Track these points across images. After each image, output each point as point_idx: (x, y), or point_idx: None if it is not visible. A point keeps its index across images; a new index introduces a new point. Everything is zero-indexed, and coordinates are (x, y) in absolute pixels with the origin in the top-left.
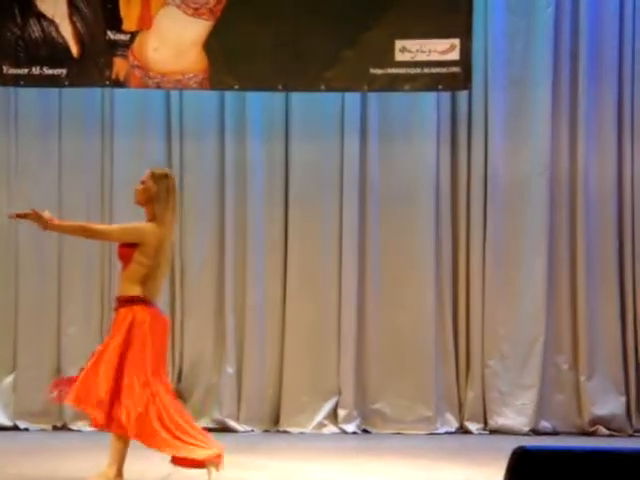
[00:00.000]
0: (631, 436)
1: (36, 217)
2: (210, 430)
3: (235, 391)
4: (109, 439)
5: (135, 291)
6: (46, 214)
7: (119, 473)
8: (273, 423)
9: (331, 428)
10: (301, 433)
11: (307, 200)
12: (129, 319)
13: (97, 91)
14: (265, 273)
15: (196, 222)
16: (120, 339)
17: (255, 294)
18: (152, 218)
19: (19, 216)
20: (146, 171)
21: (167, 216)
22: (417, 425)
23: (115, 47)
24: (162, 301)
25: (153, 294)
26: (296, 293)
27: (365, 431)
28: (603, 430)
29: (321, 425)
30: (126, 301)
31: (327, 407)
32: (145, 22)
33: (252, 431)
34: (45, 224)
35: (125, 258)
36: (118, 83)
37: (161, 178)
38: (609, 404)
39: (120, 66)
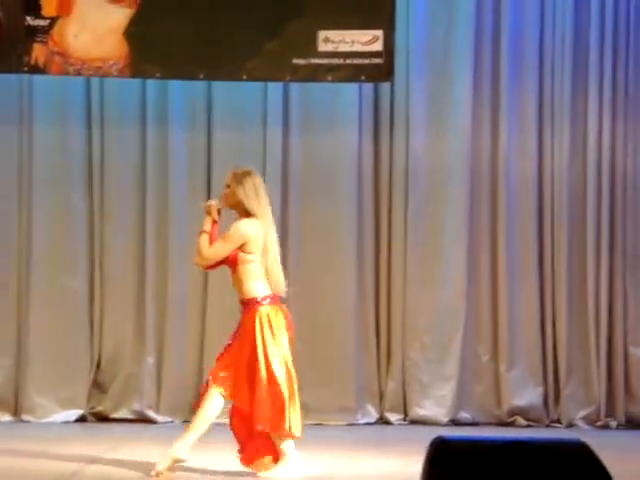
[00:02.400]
0: (548, 426)
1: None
2: (130, 421)
3: (155, 381)
4: None
5: (254, 292)
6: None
7: None
8: (193, 414)
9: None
10: (221, 424)
11: None
12: (255, 322)
13: (15, 77)
14: (187, 261)
15: (117, 211)
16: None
17: (176, 284)
18: (247, 216)
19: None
20: (228, 174)
21: (262, 211)
22: (337, 416)
23: (34, 33)
24: (81, 290)
25: (274, 287)
26: (218, 283)
27: None
28: (521, 420)
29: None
30: (248, 303)
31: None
32: (65, 8)
33: (172, 422)
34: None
35: (232, 262)
36: (37, 69)
37: (244, 177)
38: (527, 395)
39: (39, 52)
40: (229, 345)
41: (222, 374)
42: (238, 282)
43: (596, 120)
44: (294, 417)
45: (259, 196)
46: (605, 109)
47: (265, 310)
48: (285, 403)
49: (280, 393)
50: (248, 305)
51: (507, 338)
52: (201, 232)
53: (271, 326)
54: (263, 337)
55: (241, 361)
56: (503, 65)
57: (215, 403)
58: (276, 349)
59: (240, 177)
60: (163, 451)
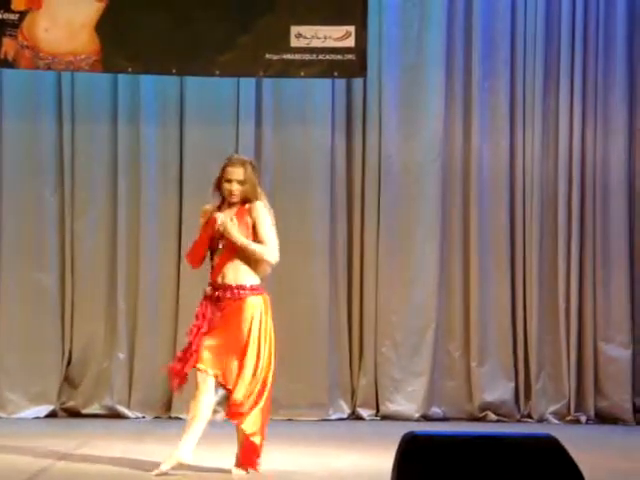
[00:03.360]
0: (519, 421)
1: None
2: (101, 416)
3: (126, 377)
4: None
5: (255, 278)
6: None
7: None
8: (165, 410)
9: (223, 415)
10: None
11: (201, 185)
12: (256, 310)
13: None
14: (158, 257)
15: (88, 206)
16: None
17: (148, 279)
18: (249, 199)
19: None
20: (236, 169)
21: (263, 199)
22: (309, 411)
23: (4, 26)
24: (51, 285)
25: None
26: (190, 278)
27: None
28: (492, 416)
29: (213, 412)
30: (250, 289)
31: (219, 393)
32: (35, 2)
33: (143, 417)
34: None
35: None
36: (7, 64)
37: (252, 166)
38: (498, 390)
39: (9, 46)
40: (213, 328)
41: (208, 356)
42: (238, 266)
43: (567, 118)
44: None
45: (259, 184)
46: (576, 106)
47: (267, 297)
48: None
49: (260, 391)
50: (249, 291)
51: (478, 334)
52: (238, 241)
53: (269, 314)
54: (267, 324)
55: (232, 345)
56: (475, 62)
57: (206, 389)
58: (271, 339)
59: (252, 167)
60: (134, 447)
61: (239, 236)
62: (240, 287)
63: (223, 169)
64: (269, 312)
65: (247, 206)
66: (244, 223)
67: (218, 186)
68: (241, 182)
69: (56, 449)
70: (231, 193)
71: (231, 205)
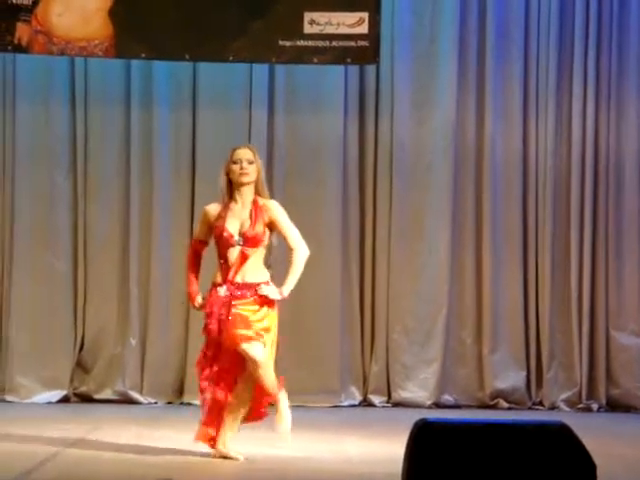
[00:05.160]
0: (530, 409)
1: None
2: (113, 402)
3: (139, 363)
4: None
5: (266, 275)
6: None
7: None
8: (177, 395)
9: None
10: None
11: (214, 170)
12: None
13: None
14: (171, 242)
15: (101, 191)
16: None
17: (160, 263)
18: (258, 193)
19: None
20: (243, 150)
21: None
22: (321, 398)
23: (18, 11)
24: (64, 270)
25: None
26: (202, 262)
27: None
28: (503, 403)
29: None
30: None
31: None
32: None
33: (155, 403)
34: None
35: (262, 241)
36: (20, 49)
37: (257, 152)
38: (510, 378)
39: (23, 31)
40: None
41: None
42: (253, 264)
43: (580, 106)
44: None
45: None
46: (589, 94)
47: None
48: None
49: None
50: (264, 285)
51: (490, 321)
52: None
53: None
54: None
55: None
56: (488, 50)
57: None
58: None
59: (256, 152)
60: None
61: (288, 289)
62: (257, 285)
63: (230, 155)
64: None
65: (261, 203)
66: (261, 221)
67: (227, 177)
68: (251, 162)
69: (68, 434)
70: (242, 172)
71: (238, 199)
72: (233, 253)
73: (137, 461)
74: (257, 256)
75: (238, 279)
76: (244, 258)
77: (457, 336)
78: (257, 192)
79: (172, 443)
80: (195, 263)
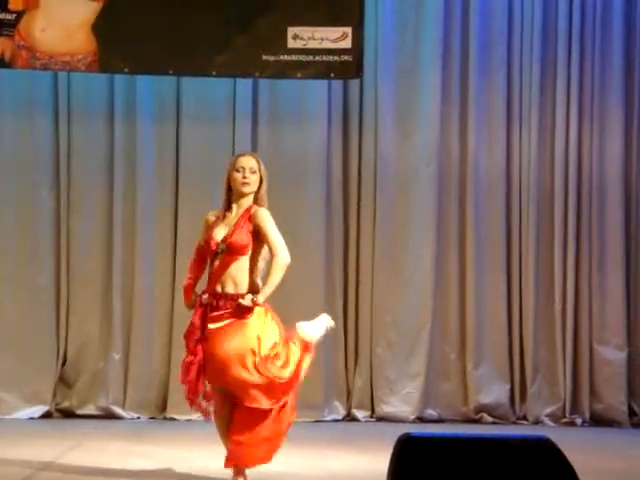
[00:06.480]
0: (514, 423)
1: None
2: (96, 417)
3: (121, 377)
4: None
5: (251, 286)
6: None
7: None
8: (160, 410)
9: None
10: (188, 420)
11: (197, 185)
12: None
13: None
14: (154, 257)
15: (84, 206)
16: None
17: (144, 279)
18: (257, 202)
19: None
20: (247, 158)
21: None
22: (305, 412)
23: (1, 26)
24: (47, 285)
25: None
26: (185, 278)
27: None
28: (487, 418)
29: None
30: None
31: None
32: (31, 1)
33: (138, 418)
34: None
35: (245, 249)
36: (3, 63)
37: (262, 162)
38: (494, 392)
39: (6, 46)
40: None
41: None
42: (236, 273)
43: (563, 119)
44: None
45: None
46: (572, 107)
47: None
48: None
49: None
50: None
51: (474, 336)
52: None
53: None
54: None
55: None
56: (471, 64)
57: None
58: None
59: (259, 161)
60: (130, 447)
61: (263, 296)
62: (240, 296)
63: (233, 163)
64: (269, 314)
65: (252, 210)
66: (246, 229)
67: (228, 183)
68: (254, 171)
69: (51, 450)
70: (244, 182)
71: (234, 207)
72: (216, 261)
73: (120, 476)
74: (240, 265)
75: (218, 289)
76: (224, 266)
77: (441, 350)
78: (256, 202)
79: (156, 459)
80: (196, 263)
